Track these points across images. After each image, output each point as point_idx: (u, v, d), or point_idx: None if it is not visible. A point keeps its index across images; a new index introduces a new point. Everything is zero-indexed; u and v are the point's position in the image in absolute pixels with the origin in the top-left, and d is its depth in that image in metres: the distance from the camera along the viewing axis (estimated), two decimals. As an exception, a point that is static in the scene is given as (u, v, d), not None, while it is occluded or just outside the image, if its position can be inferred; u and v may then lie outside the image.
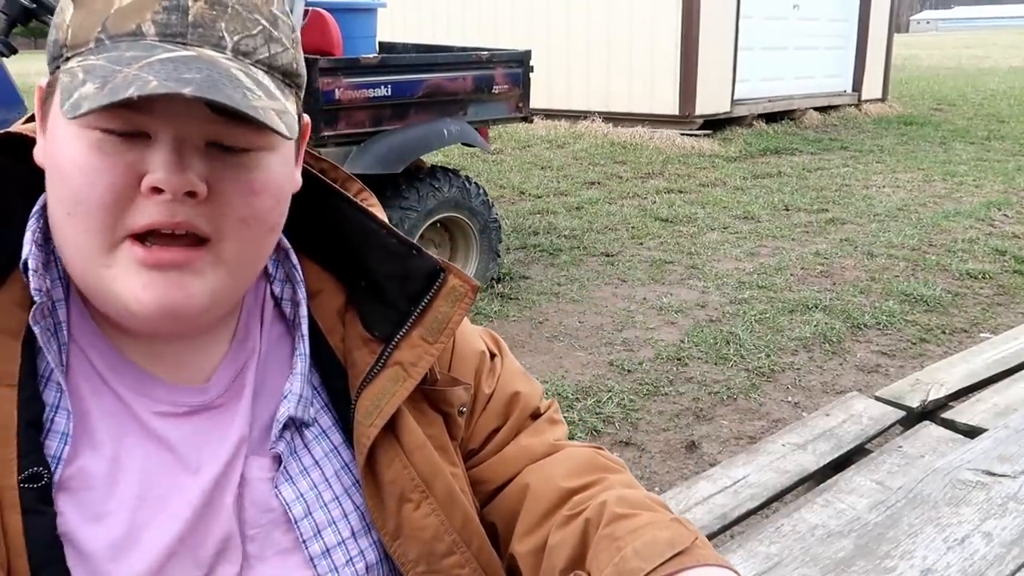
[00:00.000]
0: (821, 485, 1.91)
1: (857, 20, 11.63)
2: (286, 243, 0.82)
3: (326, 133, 3.91)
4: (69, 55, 0.65)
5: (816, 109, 11.06)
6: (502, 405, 0.90)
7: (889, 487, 1.77)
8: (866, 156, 9.06)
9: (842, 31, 11.61)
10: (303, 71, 0.73)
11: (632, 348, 4.03)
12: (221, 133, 0.65)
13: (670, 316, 4.45)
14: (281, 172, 0.71)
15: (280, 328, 0.81)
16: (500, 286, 4.75)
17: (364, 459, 0.77)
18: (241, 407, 0.76)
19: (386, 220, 0.87)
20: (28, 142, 0.71)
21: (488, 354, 0.92)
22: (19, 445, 0.66)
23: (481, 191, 4.53)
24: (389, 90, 4.08)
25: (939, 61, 25.23)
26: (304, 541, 0.75)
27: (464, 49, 4.83)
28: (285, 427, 0.76)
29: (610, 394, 3.50)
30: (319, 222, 0.83)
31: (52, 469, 0.67)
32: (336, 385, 0.81)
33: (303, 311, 0.80)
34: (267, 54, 0.67)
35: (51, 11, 3.56)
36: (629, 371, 3.75)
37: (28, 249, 0.70)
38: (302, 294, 0.81)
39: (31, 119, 0.73)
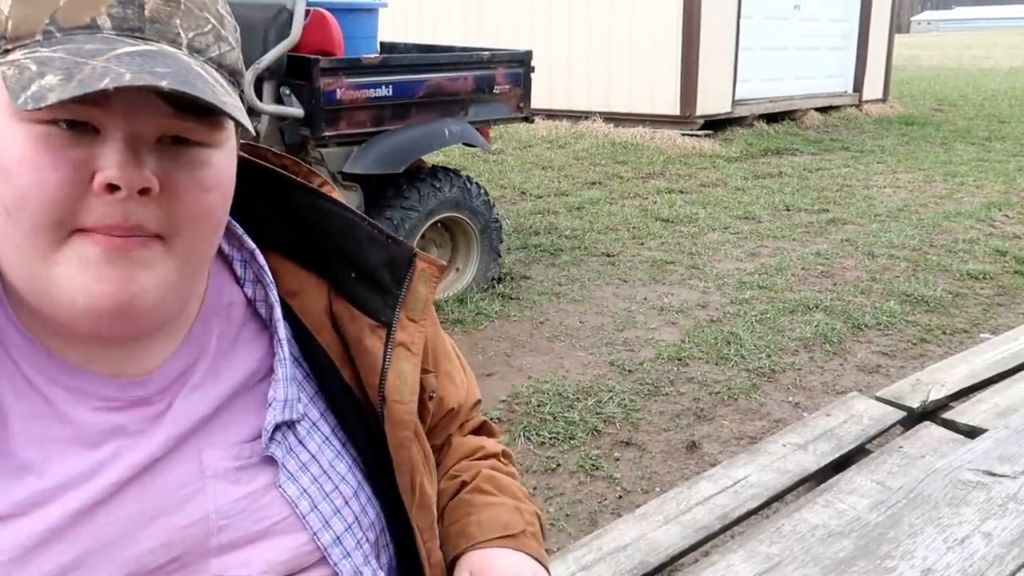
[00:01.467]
0: (822, 485, 1.92)
1: (858, 20, 11.63)
2: (251, 243, 0.81)
3: (327, 133, 3.91)
4: (9, 47, 0.62)
5: (817, 109, 11.06)
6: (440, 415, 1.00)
7: (889, 487, 1.77)
8: (867, 156, 9.06)
9: (843, 31, 11.61)
10: (244, 71, 0.73)
11: (633, 348, 4.03)
12: (176, 127, 0.64)
13: (671, 316, 4.45)
14: (228, 168, 0.71)
15: (254, 327, 0.81)
16: (501, 286, 4.75)
17: (402, 440, 0.82)
18: (183, 405, 0.74)
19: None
20: None
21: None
22: None
23: (482, 191, 4.54)
24: (390, 90, 4.08)
25: (940, 62, 25.22)
26: (315, 534, 0.76)
27: (465, 49, 4.83)
28: (277, 428, 0.77)
29: (611, 394, 3.50)
30: (289, 220, 0.83)
31: None
32: (327, 379, 0.82)
33: (277, 313, 0.80)
34: (217, 52, 0.67)
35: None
36: (630, 371, 3.76)
37: None
38: (274, 296, 0.80)
39: None
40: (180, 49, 0.64)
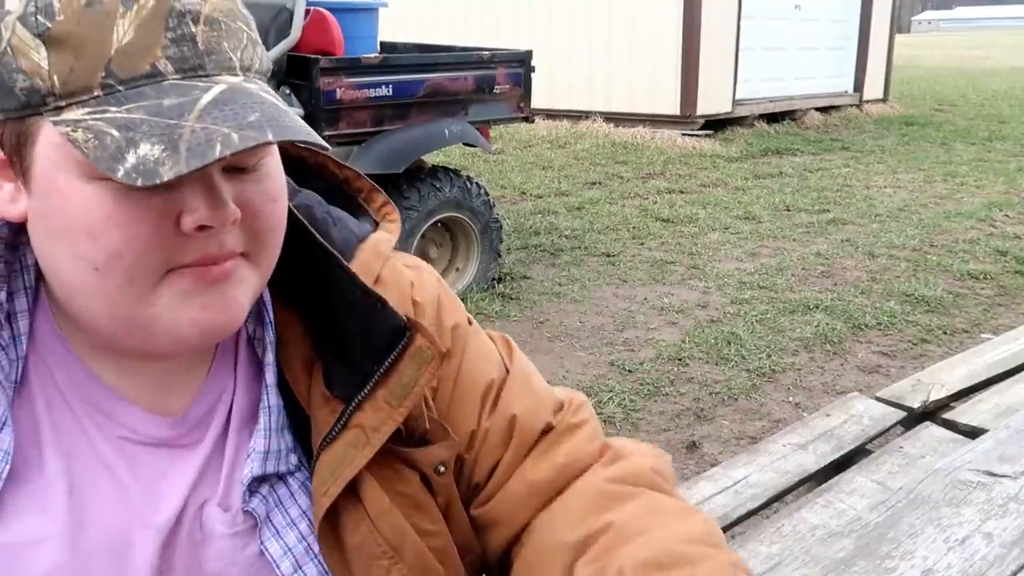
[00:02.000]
0: (822, 485, 1.91)
1: (858, 21, 11.63)
2: None
3: (327, 133, 3.91)
4: (63, 104, 0.58)
5: (817, 109, 11.06)
6: (500, 434, 0.82)
7: (890, 487, 1.77)
8: (867, 156, 9.06)
9: (843, 32, 11.61)
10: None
11: (633, 348, 4.03)
12: (240, 157, 0.62)
13: (671, 316, 4.45)
14: (282, 172, 0.70)
15: (251, 371, 0.76)
16: (501, 286, 4.75)
17: (319, 524, 0.72)
18: (201, 450, 0.72)
19: (395, 237, 0.82)
20: None
21: (496, 384, 0.83)
22: None
23: (482, 191, 4.54)
24: (390, 90, 4.09)
25: (940, 62, 25.22)
26: None
27: (465, 49, 4.83)
28: (261, 482, 0.72)
29: (611, 394, 3.50)
30: (293, 258, 0.75)
31: None
32: (306, 438, 0.75)
33: (269, 357, 0.74)
34: (258, 62, 0.65)
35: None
36: (630, 371, 3.75)
37: None
38: (270, 337, 0.75)
39: None
40: (236, 74, 0.62)
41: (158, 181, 0.54)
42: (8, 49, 0.59)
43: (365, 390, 0.72)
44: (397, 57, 4.41)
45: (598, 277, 5.06)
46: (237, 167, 0.64)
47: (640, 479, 0.80)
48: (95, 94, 0.58)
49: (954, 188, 7.55)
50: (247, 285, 0.66)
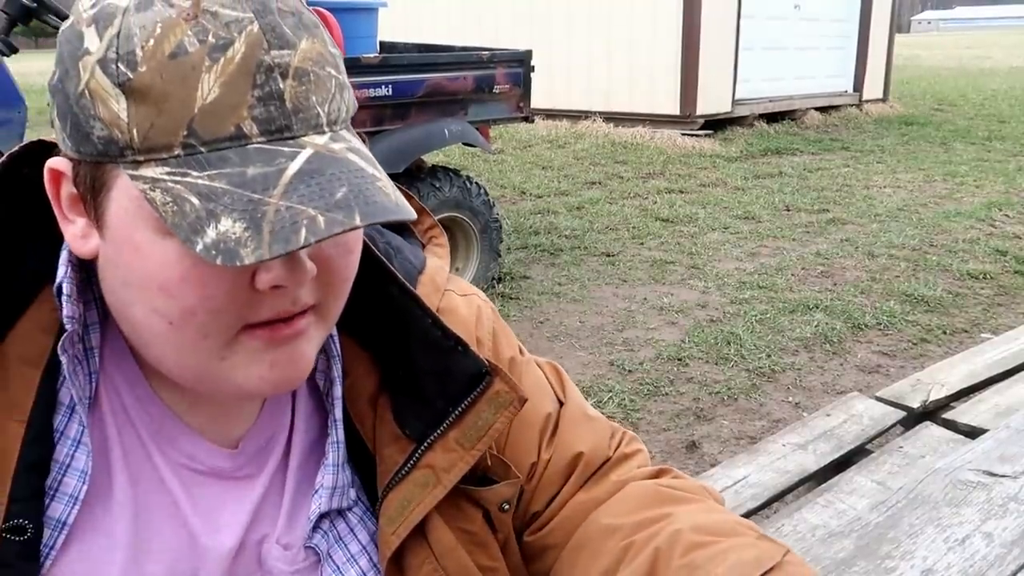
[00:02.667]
0: (822, 485, 1.91)
1: (858, 20, 11.63)
2: None
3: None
4: (141, 159, 0.55)
5: (817, 109, 11.06)
6: (562, 466, 0.82)
7: (890, 487, 1.77)
8: (867, 156, 9.06)
9: (843, 31, 11.61)
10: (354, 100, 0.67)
11: (633, 348, 4.03)
12: None
13: (671, 316, 4.45)
14: None
15: (311, 404, 0.75)
16: (501, 286, 4.75)
17: (386, 564, 0.71)
18: (258, 486, 0.71)
19: (447, 255, 0.81)
20: (43, 148, 0.66)
21: (553, 417, 0.83)
22: (12, 489, 0.61)
23: (482, 191, 4.54)
24: (390, 90, 4.08)
25: (940, 61, 25.22)
26: None
27: (465, 49, 4.83)
28: (322, 517, 0.72)
29: (611, 394, 3.50)
30: (360, 293, 0.73)
31: (69, 509, 0.63)
32: (367, 474, 0.75)
33: (337, 391, 0.73)
34: (345, 111, 0.61)
35: (52, 10, 3.55)
36: (630, 371, 3.75)
37: (63, 271, 0.64)
38: (337, 371, 0.73)
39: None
40: (323, 131, 0.58)
41: (238, 264, 0.52)
42: (86, 92, 0.56)
43: (438, 430, 0.72)
44: (397, 57, 4.41)
45: (598, 277, 5.06)
46: None
47: (697, 492, 0.81)
48: (175, 153, 0.55)
49: (954, 188, 7.55)
50: (316, 339, 0.65)
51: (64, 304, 0.63)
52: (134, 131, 0.55)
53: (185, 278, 0.57)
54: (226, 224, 0.52)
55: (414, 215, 0.59)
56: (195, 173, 0.54)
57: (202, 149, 0.55)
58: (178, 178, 0.54)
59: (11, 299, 0.64)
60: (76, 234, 0.61)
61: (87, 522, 0.64)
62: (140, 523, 0.66)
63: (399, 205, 0.58)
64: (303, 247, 0.52)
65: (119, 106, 0.55)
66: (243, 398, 0.67)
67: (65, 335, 0.63)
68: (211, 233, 0.52)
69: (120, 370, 0.68)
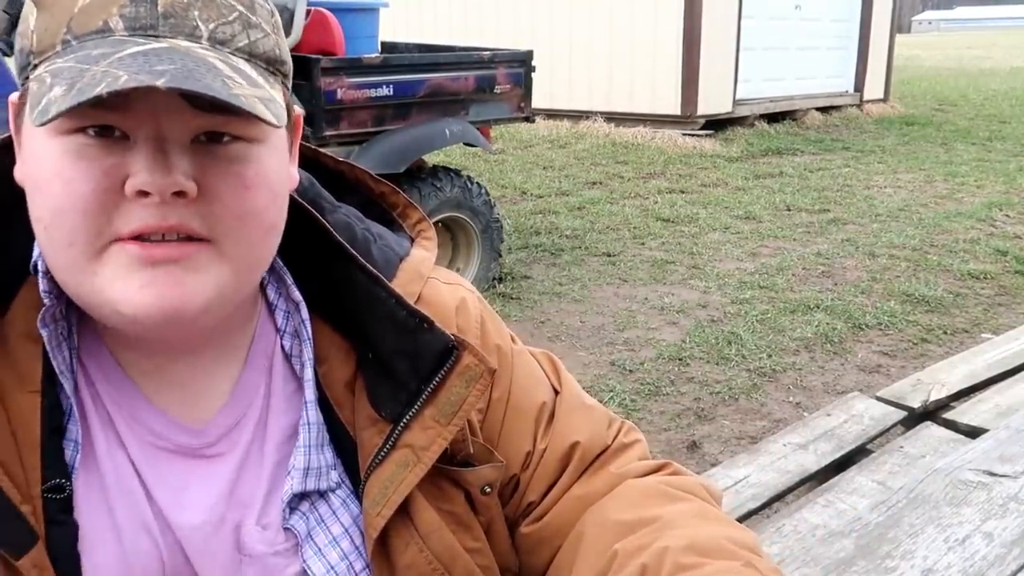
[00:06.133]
0: (822, 485, 1.91)
1: (859, 20, 11.62)
2: (298, 294, 0.75)
3: (328, 133, 3.91)
4: (36, 62, 0.60)
5: (818, 109, 11.06)
6: (559, 455, 0.82)
7: (890, 487, 1.77)
8: (868, 156, 9.06)
9: (844, 31, 11.60)
10: (287, 57, 0.68)
11: (633, 348, 4.03)
12: (208, 124, 0.61)
13: (671, 316, 4.45)
14: (274, 165, 0.65)
15: (290, 387, 0.75)
16: (502, 286, 4.75)
17: (373, 546, 0.72)
18: (228, 464, 0.71)
19: (434, 249, 0.81)
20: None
21: (549, 405, 0.83)
22: (43, 455, 0.64)
23: (483, 191, 4.54)
24: (391, 90, 4.08)
25: (941, 62, 25.21)
26: None
27: (466, 49, 4.83)
28: (301, 499, 0.72)
29: (611, 394, 3.50)
30: (329, 279, 0.75)
31: (71, 479, 0.65)
32: (351, 458, 0.75)
33: (308, 373, 0.74)
34: (246, 41, 0.62)
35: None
36: (630, 371, 3.76)
37: (38, 251, 0.66)
38: (308, 355, 0.74)
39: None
40: (199, 42, 0.59)
41: (45, 119, 0.54)
42: (23, 16, 0.63)
43: (413, 409, 0.72)
44: (398, 57, 4.41)
45: (599, 277, 5.06)
46: (210, 136, 0.61)
47: (694, 491, 0.81)
48: (56, 50, 0.59)
49: (954, 188, 7.55)
50: (209, 275, 0.63)
51: (40, 280, 0.65)
52: (35, 37, 0.61)
53: (54, 173, 0.59)
54: (55, 92, 0.55)
55: (240, 104, 0.57)
56: (60, 60, 0.58)
57: (73, 43, 0.59)
58: (47, 66, 0.59)
59: (4, 279, 0.67)
60: (18, 169, 0.65)
61: (82, 490, 0.67)
62: (112, 496, 0.67)
63: (236, 96, 0.57)
64: (93, 98, 0.53)
65: (32, 19, 0.61)
66: (134, 329, 0.65)
67: (44, 310, 0.65)
68: (44, 101, 0.55)
69: (91, 347, 0.69)
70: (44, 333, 0.65)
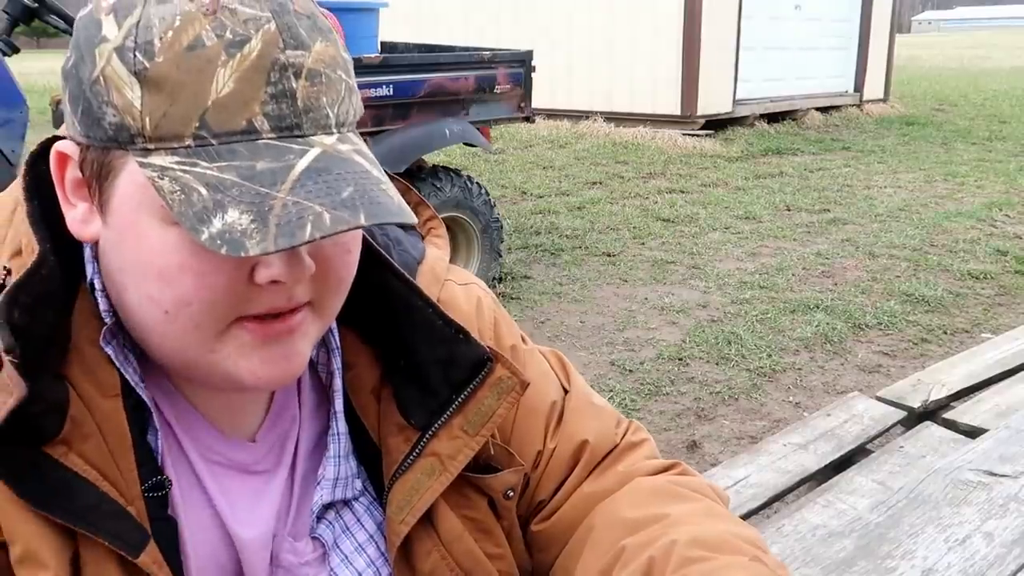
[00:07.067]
0: (822, 485, 1.91)
1: (859, 20, 11.63)
2: None
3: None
4: (152, 148, 0.56)
5: (818, 109, 11.06)
6: (568, 454, 0.82)
7: (890, 487, 1.77)
8: (868, 156, 9.06)
9: (844, 31, 11.61)
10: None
11: (633, 348, 4.03)
12: None
13: (671, 316, 4.45)
14: None
15: (316, 398, 0.76)
16: (502, 286, 4.75)
17: (395, 553, 0.72)
18: (277, 481, 0.72)
19: (446, 246, 0.82)
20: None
21: (559, 405, 0.84)
22: (137, 455, 0.64)
23: (483, 191, 4.54)
24: (391, 90, 4.08)
25: (941, 62, 25.21)
26: None
27: (466, 49, 4.83)
28: (328, 508, 0.73)
29: (611, 394, 3.50)
30: (359, 285, 0.73)
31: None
32: (373, 465, 0.76)
33: (337, 383, 0.74)
34: (354, 112, 0.62)
35: (54, 11, 3.56)
36: (630, 371, 3.76)
37: (92, 268, 0.65)
38: (337, 364, 0.74)
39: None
40: (331, 132, 0.59)
41: (243, 255, 0.52)
42: (101, 78, 0.57)
43: (442, 418, 0.73)
44: (398, 57, 4.41)
45: (599, 277, 5.06)
46: None
47: (702, 491, 0.81)
48: (186, 143, 0.55)
49: (954, 188, 7.55)
50: (311, 336, 0.65)
51: (99, 299, 0.65)
52: (146, 119, 0.55)
53: (184, 266, 0.58)
54: (233, 215, 0.53)
55: (415, 219, 0.60)
56: (204, 164, 0.55)
57: (213, 141, 0.55)
58: (187, 167, 0.55)
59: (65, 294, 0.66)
60: (77, 218, 0.63)
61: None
62: (187, 515, 0.68)
63: (401, 208, 0.59)
64: (308, 242, 0.53)
65: (133, 94, 0.56)
66: (237, 389, 0.67)
67: (105, 327, 0.64)
68: (217, 223, 0.53)
69: (146, 362, 0.69)
70: (109, 350, 0.65)
